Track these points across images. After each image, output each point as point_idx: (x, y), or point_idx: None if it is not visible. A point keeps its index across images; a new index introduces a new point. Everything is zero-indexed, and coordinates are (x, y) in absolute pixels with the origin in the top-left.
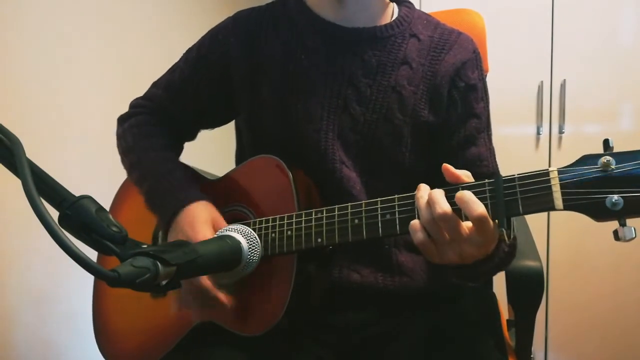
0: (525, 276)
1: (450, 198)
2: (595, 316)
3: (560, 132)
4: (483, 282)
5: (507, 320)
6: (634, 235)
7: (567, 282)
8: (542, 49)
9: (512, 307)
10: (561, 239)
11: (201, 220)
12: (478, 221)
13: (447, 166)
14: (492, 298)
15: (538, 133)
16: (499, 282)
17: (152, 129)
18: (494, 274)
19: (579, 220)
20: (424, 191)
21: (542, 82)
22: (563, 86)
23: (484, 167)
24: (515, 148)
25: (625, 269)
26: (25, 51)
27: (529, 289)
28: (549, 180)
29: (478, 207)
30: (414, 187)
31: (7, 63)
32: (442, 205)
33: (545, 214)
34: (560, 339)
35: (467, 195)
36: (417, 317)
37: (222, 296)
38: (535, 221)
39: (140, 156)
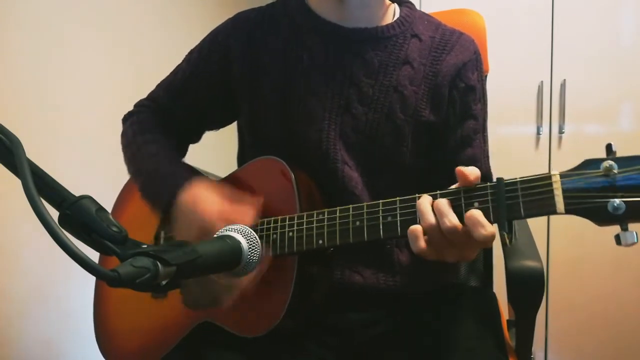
0: (526, 276)
1: (454, 208)
2: (595, 316)
3: (560, 132)
4: None
5: (507, 320)
6: (635, 240)
7: (567, 282)
8: (542, 49)
9: (512, 307)
10: (561, 239)
11: (202, 197)
12: (485, 239)
13: (460, 169)
14: (492, 298)
15: (538, 133)
16: (499, 282)
17: (153, 125)
18: None
19: (579, 220)
20: (425, 199)
21: (542, 82)
22: (563, 86)
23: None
24: (515, 148)
25: (625, 269)
26: (24, 51)
27: (529, 289)
28: (550, 184)
29: (487, 229)
30: (415, 187)
31: (7, 63)
32: (452, 218)
33: None
34: (560, 339)
35: (476, 216)
36: (418, 318)
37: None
38: (535, 222)
39: (137, 150)
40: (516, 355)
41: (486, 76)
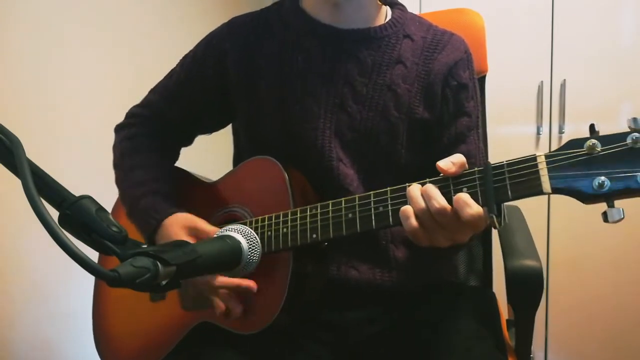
0: (525, 276)
1: (444, 194)
2: (595, 316)
3: (560, 132)
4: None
5: (507, 320)
6: (622, 216)
7: (567, 282)
8: (542, 49)
9: (512, 307)
10: (561, 239)
11: (175, 232)
12: (473, 219)
13: (439, 166)
14: (492, 298)
15: (538, 133)
16: (499, 282)
17: (142, 143)
18: None
19: (579, 220)
20: (415, 186)
21: (542, 82)
22: (563, 86)
23: (471, 164)
24: (515, 148)
25: (625, 269)
26: (24, 51)
27: (529, 289)
28: (536, 165)
29: (473, 209)
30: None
31: (7, 63)
32: (440, 200)
33: (545, 213)
34: (560, 339)
35: (463, 198)
36: (416, 316)
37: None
38: (535, 221)
39: (122, 176)
40: (516, 355)
41: (485, 76)
